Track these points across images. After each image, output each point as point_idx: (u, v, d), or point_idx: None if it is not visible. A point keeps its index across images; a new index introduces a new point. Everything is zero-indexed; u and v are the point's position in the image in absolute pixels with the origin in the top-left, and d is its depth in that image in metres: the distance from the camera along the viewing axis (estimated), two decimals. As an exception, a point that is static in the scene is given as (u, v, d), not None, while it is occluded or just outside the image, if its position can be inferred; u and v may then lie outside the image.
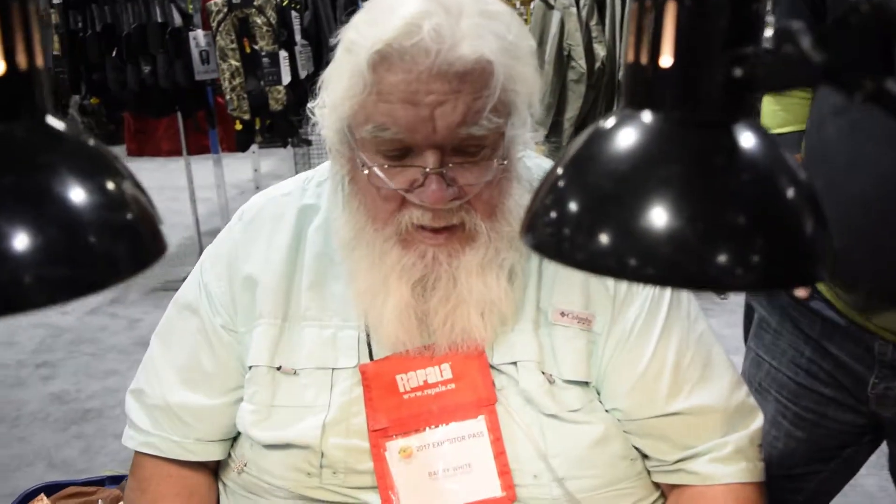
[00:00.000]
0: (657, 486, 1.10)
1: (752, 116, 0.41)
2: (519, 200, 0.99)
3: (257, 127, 4.21)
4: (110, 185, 0.42)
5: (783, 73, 0.39)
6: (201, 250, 1.32)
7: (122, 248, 0.41)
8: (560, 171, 0.45)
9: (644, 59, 0.42)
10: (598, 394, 1.07)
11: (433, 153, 0.92)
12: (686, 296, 1.11)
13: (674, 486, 1.08)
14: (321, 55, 4.23)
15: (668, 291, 1.08)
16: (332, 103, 0.96)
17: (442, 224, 0.96)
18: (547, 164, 1.12)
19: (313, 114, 1.02)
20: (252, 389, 1.08)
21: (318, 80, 1.00)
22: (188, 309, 1.14)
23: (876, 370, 1.35)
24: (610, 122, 0.44)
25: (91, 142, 0.44)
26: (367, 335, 1.06)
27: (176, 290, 1.19)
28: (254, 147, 4.63)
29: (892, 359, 1.33)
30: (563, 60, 3.64)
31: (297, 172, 2.05)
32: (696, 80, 0.41)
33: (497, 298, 1.01)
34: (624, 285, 1.06)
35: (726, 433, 1.06)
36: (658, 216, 0.39)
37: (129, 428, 1.16)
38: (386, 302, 1.00)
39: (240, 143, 4.39)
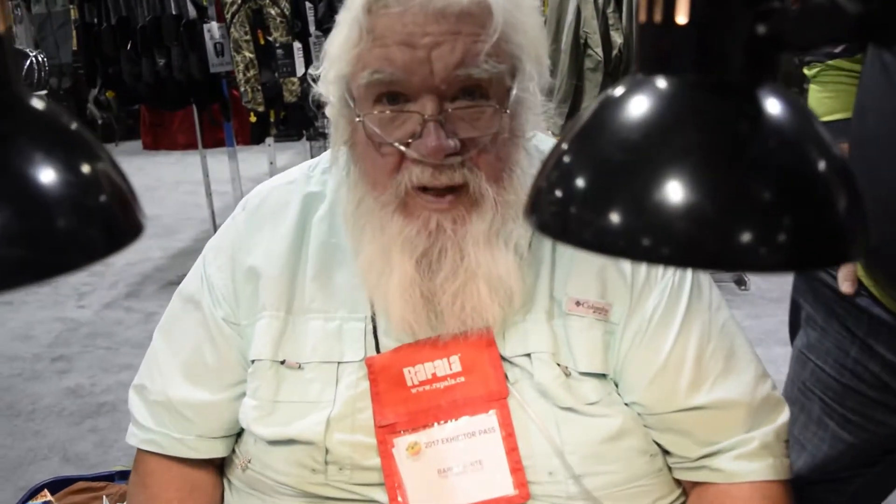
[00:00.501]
0: (678, 483, 1.06)
1: (777, 79, 0.37)
2: (527, 170, 0.96)
3: (272, 119, 4.21)
4: (78, 162, 0.40)
5: (814, 28, 0.35)
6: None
7: (91, 229, 0.38)
8: (566, 144, 0.41)
9: (658, 18, 0.38)
10: (616, 386, 1.03)
11: (431, 99, 0.90)
12: (708, 283, 1.07)
13: (696, 484, 1.04)
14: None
15: (688, 279, 1.04)
16: (331, 60, 0.95)
17: (444, 182, 0.92)
18: None
19: (314, 80, 0.99)
20: (255, 384, 1.05)
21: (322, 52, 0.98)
22: (191, 302, 1.12)
23: None
24: (620, 90, 0.40)
25: (63, 116, 0.41)
26: (374, 327, 1.03)
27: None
28: (269, 140, 4.63)
29: None
30: (579, 49, 3.60)
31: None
32: (715, 38, 0.37)
33: (505, 273, 0.97)
34: (642, 273, 1.02)
35: (751, 428, 1.01)
36: (674, 190, 0.35)
37: (132, 424, 1.14)
38: (390, 280, 0.96)
39: (254, 136, 4.39)
